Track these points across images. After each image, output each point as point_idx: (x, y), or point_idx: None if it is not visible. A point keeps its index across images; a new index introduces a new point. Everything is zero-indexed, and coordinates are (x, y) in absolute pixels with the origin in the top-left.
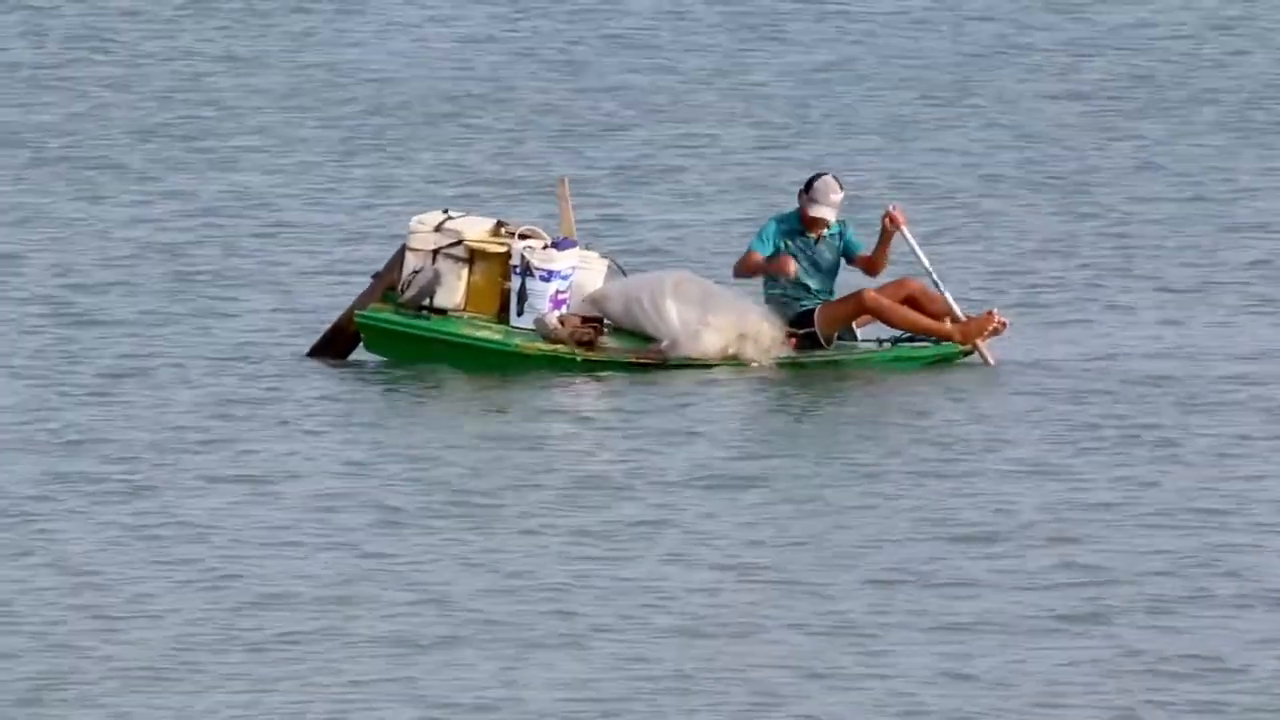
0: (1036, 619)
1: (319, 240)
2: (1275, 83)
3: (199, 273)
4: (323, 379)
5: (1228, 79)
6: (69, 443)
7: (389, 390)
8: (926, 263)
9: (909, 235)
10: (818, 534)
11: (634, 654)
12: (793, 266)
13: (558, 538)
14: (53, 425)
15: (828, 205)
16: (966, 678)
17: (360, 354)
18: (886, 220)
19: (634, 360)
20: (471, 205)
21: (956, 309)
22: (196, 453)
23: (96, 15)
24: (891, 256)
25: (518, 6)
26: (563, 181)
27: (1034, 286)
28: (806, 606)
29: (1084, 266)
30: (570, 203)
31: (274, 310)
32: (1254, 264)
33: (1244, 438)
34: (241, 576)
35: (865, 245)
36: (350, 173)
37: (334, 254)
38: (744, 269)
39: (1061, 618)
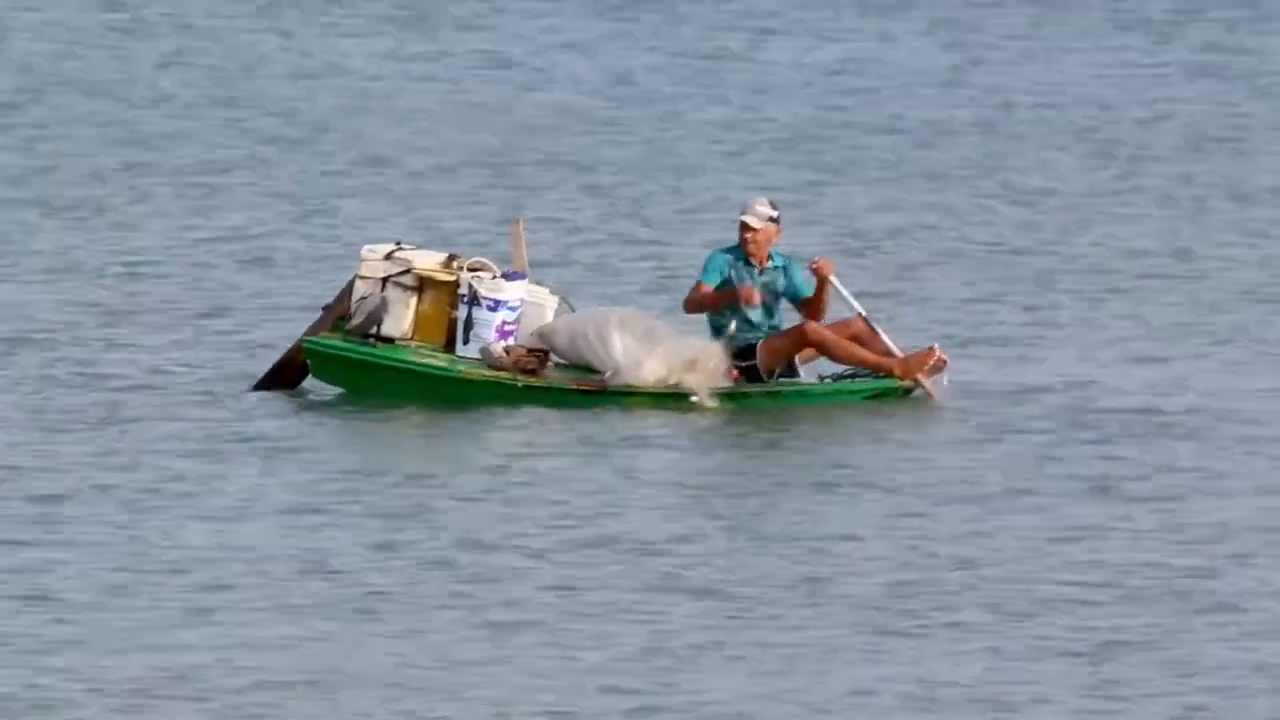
0: (1015, 647)
1: (288, 274)
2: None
3: (163, 304)
4: (270, 410)
5: (1210, 129)
6: (15, 477)
7: (337, 417)
8: (859, 308)
9: (838, 284)
10: (771, 558)
11: (607, 683)
12: (756, 295)
13: (521, 562)
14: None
15: (752, 214)
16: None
17: (309, 383)
18: (814, 270)
19: (575, 388)
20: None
21: (895, 348)
22: (147, 487)
23: (83, 57)
24: (832, 304)
25: (507, 61)
26: (517, 222)
27: (1002, 321)
28: (772, 635)
29: (1055, 303)
30: (524, 242)
31: (232, 341)
32: (1225, 301)
33: (1213, 471)
34: (199, 608)
35: (810, 289)
36: (334, 210)
37: (300, 287)
38: (696, 303)
39: (1039, 647)
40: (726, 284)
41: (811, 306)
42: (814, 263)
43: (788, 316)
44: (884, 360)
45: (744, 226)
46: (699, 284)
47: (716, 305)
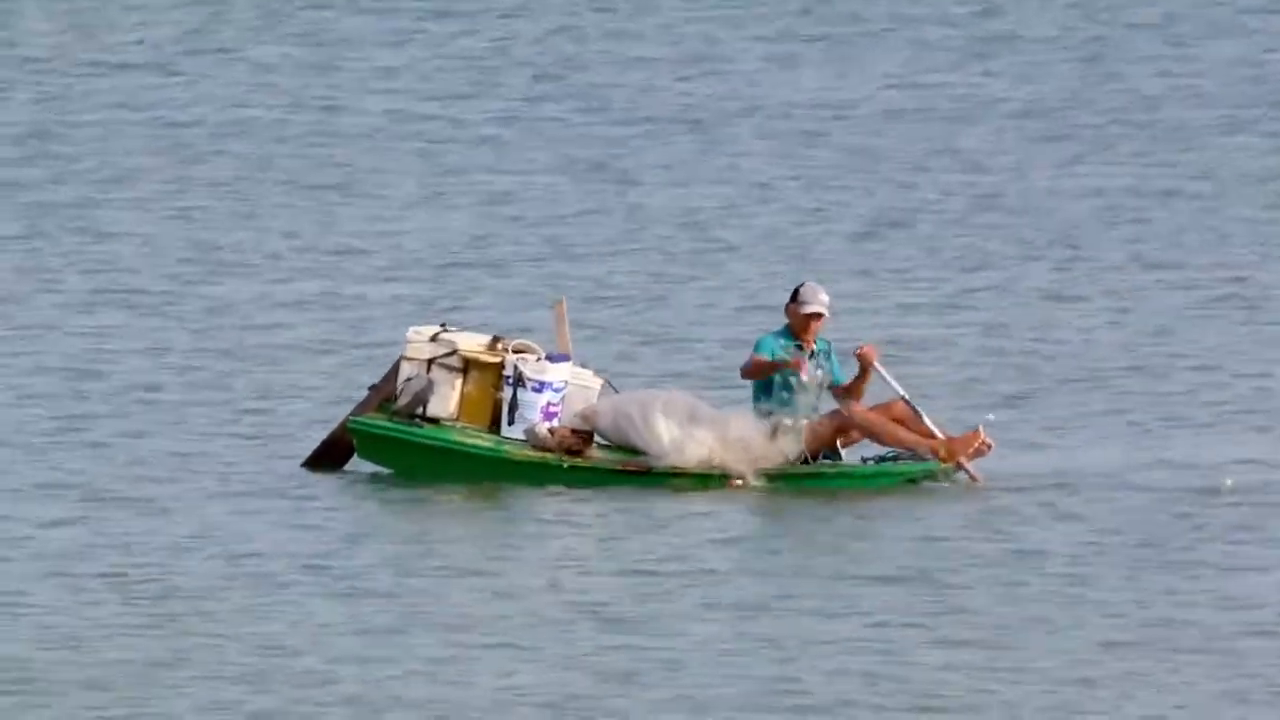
0: None
1: (339, 350)
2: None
3: (221, 381)
4: (319, 487)
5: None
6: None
7: (382, 497)
8: (902, 391)
9: (882, 370)
10: (804, 645)
11: None
12: (805, 365)
13: (565, 638)
14: (50, 524)
15: (818, 303)
16: None
17: (355, 463)
18: (858, 357)
19: (620, 469)
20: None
21: (937, 431)
22: (193, 555)
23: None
24: (869, 388)
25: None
26: (559, 303)
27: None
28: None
29: (1076, 383)
30: (567, 322)
31: (284, 417)
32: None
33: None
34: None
35: (846, 376)
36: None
37: (350, 366)
38: (754, 368)
39: None
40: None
41: (851, 391)
42: (859, 350)
43: (827, 400)
44: (928, 442)
45: (815, 316)
46: (753, 357)
47: (771, 370)
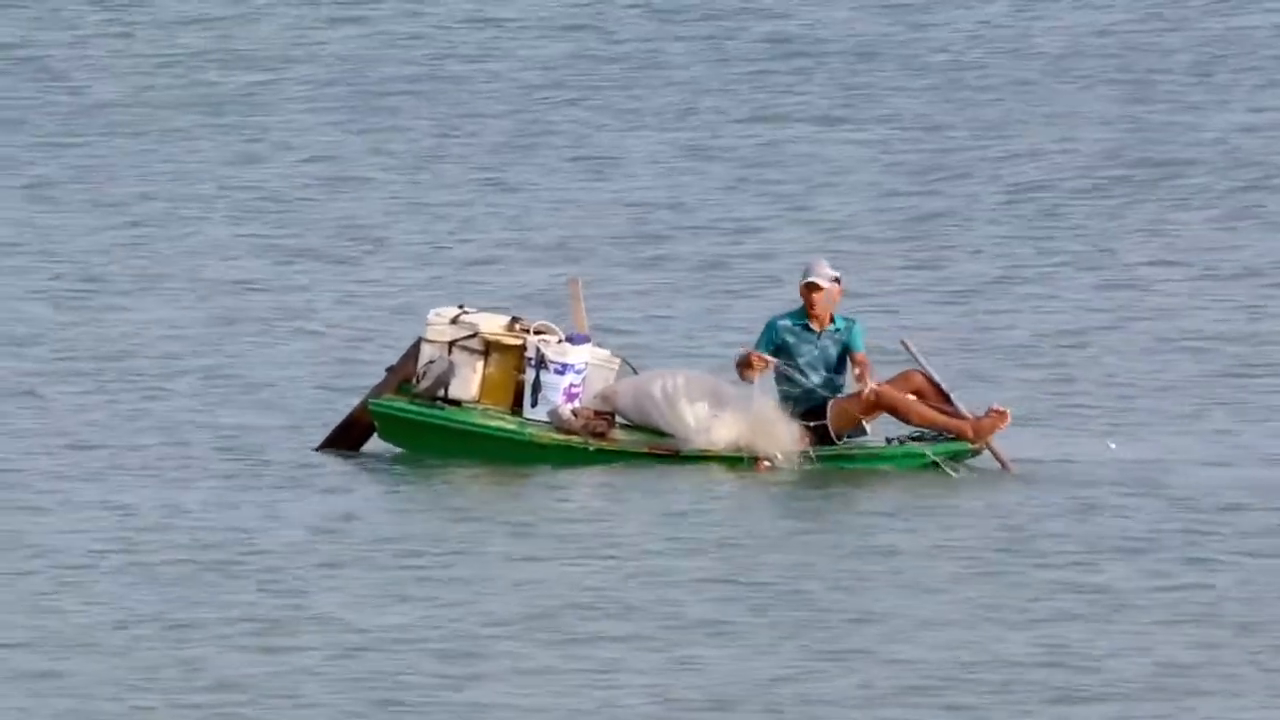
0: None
1: (346, 334)
2: None
3: (220, 364)
4: (337, 470)
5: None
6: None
7: (406, 480)
8: (937, 377)
9: (918, 355)
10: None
11: None
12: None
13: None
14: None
15: (818, 275)
16: None
17: (372, 445)
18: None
19: (647, 452)
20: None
21: (965, 411)
22: (210, 548)
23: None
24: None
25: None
26: (574, 281)
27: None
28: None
29: (1108, 374)
30: (582, 302)
31: (293, 403)
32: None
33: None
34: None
35: (863, 347)
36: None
37: (359, 349)
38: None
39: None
40: (781, 350)
41: (860, 367)
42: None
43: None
44: (955, 422)
45: (811, 288)
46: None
47: (740, 374)
